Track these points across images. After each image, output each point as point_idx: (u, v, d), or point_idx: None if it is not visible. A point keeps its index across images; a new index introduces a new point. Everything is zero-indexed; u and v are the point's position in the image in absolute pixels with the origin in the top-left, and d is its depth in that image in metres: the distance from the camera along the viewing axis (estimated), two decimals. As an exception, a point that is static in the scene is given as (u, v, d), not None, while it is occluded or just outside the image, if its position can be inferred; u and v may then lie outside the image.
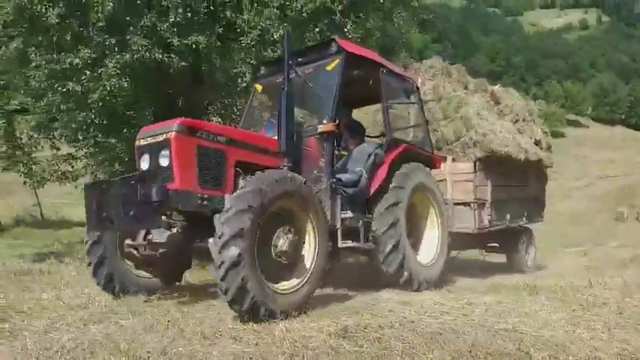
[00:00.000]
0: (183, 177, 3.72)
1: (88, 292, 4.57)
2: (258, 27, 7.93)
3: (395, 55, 11.38)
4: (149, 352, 2.69)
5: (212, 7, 8.03)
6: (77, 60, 7.55)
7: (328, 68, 4.71)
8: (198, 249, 3.77)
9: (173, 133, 3.75)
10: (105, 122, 8.83)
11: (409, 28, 11.49)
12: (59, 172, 11.83)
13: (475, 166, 7.28)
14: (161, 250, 3.94)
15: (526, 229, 8.56)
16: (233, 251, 3.13)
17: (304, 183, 3.70)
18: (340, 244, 4.30)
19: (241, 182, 3.49)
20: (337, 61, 4.68)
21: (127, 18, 7.62)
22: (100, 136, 9.46)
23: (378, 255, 4.70)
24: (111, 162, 9.88)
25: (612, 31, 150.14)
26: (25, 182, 12.79)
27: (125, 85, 7.74)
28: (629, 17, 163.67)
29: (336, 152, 5.02)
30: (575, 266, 9.27)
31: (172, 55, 7.75)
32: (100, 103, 7.88)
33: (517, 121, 8.18)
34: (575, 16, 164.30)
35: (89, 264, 4.39)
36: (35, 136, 11.53)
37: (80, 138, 9.87)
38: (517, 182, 8.13)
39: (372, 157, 5.00)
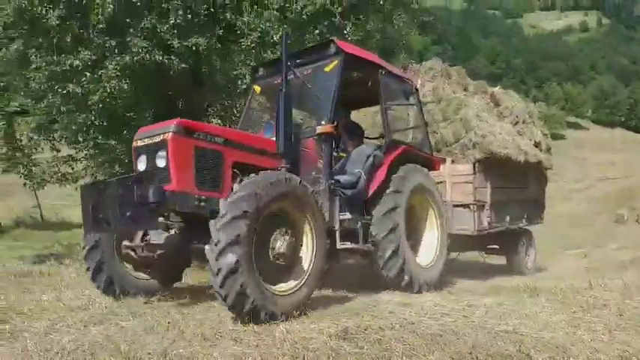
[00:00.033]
0: (180, 178, 3.70)
1: (88, 294, 4.56)
2: (258, 29, 7.95)
3: (395, 57, 11.40)
4: (149, 353, 2.69)
5: (212, 9, 8.06)
6: (77, 62, 7.57)
7: (327, 69, 4.71)
8: (197, 250, 3.73)
9: (170, 133, 3.73)
10: (105, 124, 8.83)
11: (409, 30, 11.51)
12: (59, 174, 11.83)
13: (474, 167, 7.27)
14: (159, 252, 3.94)
15: (526, 231, 8.56)
16: (230, 258, 3.11)
17: (299, 183, 3.66)
18: (339, 245, 4.29)
19: (236, 186, 3.45)
20: (336, 62, 4.67)
21: (127, 20, 7.64)
22: (100, 137, 9.46)
23: (378, 260, 4.69)
24: (111, 163, 9.88)
25: (612, 33, 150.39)
26: (25, 184, 12.80)
27: (125, 86, 7.76)
28: (629, 20, 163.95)
29: (335, 154, 5.01)
30: (576, 268, 9.27)
31: (172, 57, 7.77)
32: (100, 105, 7.90)
33: (517, 123, 8.18)
34: (575, 19, 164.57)
35: (87, 269, 4.38)
36: (35, 137, 11.54)
37: (80, 139, 9.87)
38: (517, 184, 8.12)
39: (371, 158, 4.99)
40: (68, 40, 7.84)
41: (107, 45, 7.65)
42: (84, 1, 7.49)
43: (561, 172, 28.41)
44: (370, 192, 4.83)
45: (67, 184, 12.00)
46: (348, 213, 4.51)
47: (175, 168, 3.70)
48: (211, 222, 3.26)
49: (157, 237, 3.90)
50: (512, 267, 8.24)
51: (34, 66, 7.96)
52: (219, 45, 8.37)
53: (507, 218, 7.81)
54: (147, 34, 7.66)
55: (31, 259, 8.27)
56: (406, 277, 4.72)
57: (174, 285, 4.80)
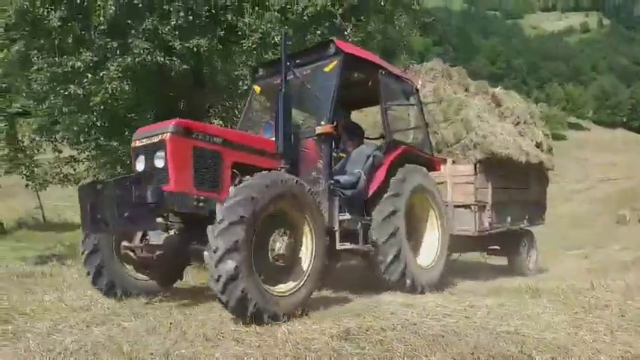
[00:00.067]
0: (179, 178, 3.68)
1: (90, 294, 4.56)
2: (259, 30, 7.97)
3: (396, 58, 11.41)
4: (152, 354, 2.70)
5: (213, 11, 8.07)
6: (79, 63, 7.59)
7: (326, 69, 4.69)
8: (196, 251, 3.72)
9: (168, 134, 3.70)
10: (107, 125, 8.86)
11: (410, 31, 11.52)
12: (61, 175, 11.87)
13: (475, 168, 7.25)
14: (158, 252, 3.92)
15: (527, 231, 8.53)
16: (230, 265, 3.10)
17: (296, 183, 3.62)
18: (338, 246, 4.27)
19: (231, 190, 3.41)
20: (335, 62, 4.65)
21: (129, 21, 7.66)
22: (101, 138, 9.49)
23: (379, 265, 4.67)
24: (113, 164, 9.91)
25: (613, 34, 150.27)
26: (27, 185, 12.86)
27: (127, 88, 7.78)
28: (629, 20, 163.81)
29: (335, 154, 4.99)
30: (577, 269, 9.24)
31: (174, 58, 7.79)
32: (102, 106, 7.92)
33: (518, 123, 8.16)
34: (576, 19, 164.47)
35: (88, 274, 4.36)
36: (37, 138, 11.59)
37: (82, 140, 9.91)
38: (518, 185, 8.10)
39: (371, 158, 4.96)
40: (70, 41, 7.86)
41: (109, 46, 7.67)
42: (85, 3, 7.51)
43: (563, 173, 28.39)
44: (370, 192, 4.81)
45: (69, 185, 12.03)
46: (347, 213, 4.49)
47: (174, 168, 3.68)
48: (209, 228, 3.23)
49: (156, 237, 3.89)
50: (514, 268, 8.23)
51: (35, 67, 7.99)
52: (221, 46, 8.39)
53: (508, 219, 7.79)
54: (148, 35, 7.68)
55: (33, 260, 8.28)
56: (408, 281, 4.71)
57: (176, 285, 4.80)
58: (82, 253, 4.36)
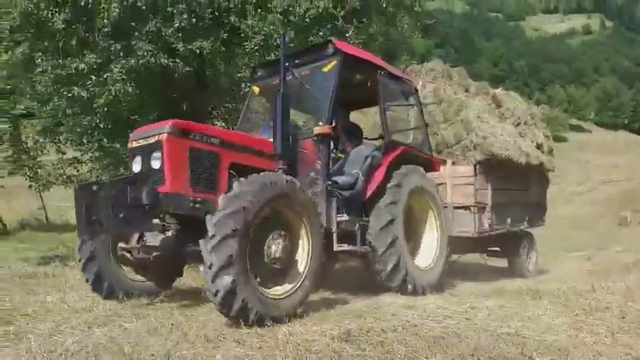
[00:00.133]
0: (175, 179, 3.66)
1: (92, 296, 4.57)
2: (262, 32, 7.99)
3: (397, 59, 11.44)
4: (153, 355, 2.71)
5: (216, 13, 8.10)
6: (83, 65, 7.62)
7: (325, 70, 4.67)
8: (193, 252, 3.66)
9: (165, 134, 3.68)
10: (110, 127, 8.89)
11: (412, 33, 11.53)
12: (64, 176, 11.89)
13: (475, 169, 7.26)
14: (155, 254, 3.90)
15: (527, 233, 8.52)
16: (226, 280, 3.08)
17: (286, 182, 3.56)
18: (336, 247, 4.25)
19: (221, 201, 3.29)
20: (334, 62, 4.64)
21: (133, 23, 7.69)
22: (105, 140, 9.52)
23: (379, 273, 4.63)
24: (116, 166, 9.94)
25: (615, 36, 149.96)
26: (30, 186, 12.87)
27: (130, 90, 7.80)
28: (632, 22, 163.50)
29: (333, 155, 4.99)
30: (578, 271, 9.22)
31: (177, 60, 7.82)
32: (105, 108, 7.95)
33: (518, 124, 8.15)
34: (578, 22, 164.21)
35: (87, 280, 4.36)
36: (41, 140, 11.63)
37: (85, 142, 9.95)
38: (518, 186, 8.09)
39: (369, 159, 4.92)
40: (74, 43, 7.89)
41: (112, 48, 7.70)
42: (89, 5, 7.55)
43: (564, 175, 28.31)
44: (368, 193, 4.77)
45: (72, 187, 12.05)
46: (345, 214, 4.46)
47: (170, 169, 3.65)
48: (201, 242, 3.20)
49: (153, 239, 3.87)
50: (514, 269, 8.22)
51: (39, 69, 8.02)
52: (224, 48, 8.41)
53: (508, 220, 7.78)
54: (152, 37, 7.71)
55: (35, 261, 8.28)
56: (409, 287, 4.69)
57: (177, 286, 4.81)
58: (79, 260, 4.35)
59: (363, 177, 4.79)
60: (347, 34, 8.55)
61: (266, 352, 2.74)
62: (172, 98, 8.93)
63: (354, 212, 4.64)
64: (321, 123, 4.48)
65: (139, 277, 4.47)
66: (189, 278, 5.51)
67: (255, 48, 8.05)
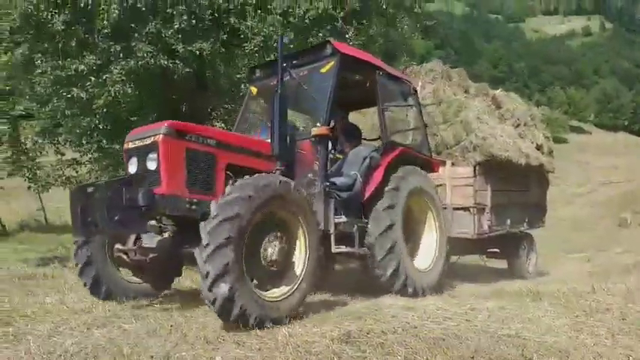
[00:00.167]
0: (171, 181, 3.63)
1: (91, 297, 4.55)
2: (262, 33, 8.02)
3: (397, 61, 11.45)
4: (152, 356, 2.70)
5: (216, 14, 8.12)
6: (82, 66, 7.64)
7: (323, 70, 4.64)
8: (189, 254, 3.57)
9: (161, 135, 3.64)
10: (109, 128, 8.91)
11: (412, 34, 11.56)
12: (63, 177, 11.90)
13: (475, 170, 7.23)
14: (151, 255, 3.87)
15: (527, 234, 8.50)
16: (223, 288, 3.05)
17: (280, 183, 3.48)
18: (334, 249, 4.22)
19: (213, 207, 3.21)
20: (332, 63, 4.60)
21: (132, 25, 7.71)
22: (104, 141, 9.54)
23: (379, 277, 4.60)
24: (115, 167, 9.95)
25: (615, 37, 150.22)
26: (29, 187, 12.88)
27: (130, 91, 7.82)
28: (631, 23, 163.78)
29: (332, 155, 4.96)
30: (578, 272, 9.21)
31: (177, 62, 7.83)
32: (105, 109, 7.97)
33: (518, 125, 8.14)
34: (578, 23, 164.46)
35: (84, 284, 4.34)
36: (40, 141, 11.64)
37: (84, 143, 9.97)
38: (518, 187, 8.07)
39: (368, 160, 4.88)
40: (73, 44, 7.91)
41: (112, 50, 7.72)
42: (89, 7, 7.57)
43: (564, 176, 28.34)
44: (366, 194, 4.73)
45: (71, 188, 12.04)
46: (343, 216, 4.43)
47: (166, 170, 3.61)
48: (196, 251, 3.14)
49: (150, 240, 3.82)
50: (514, 271, 8.20)
51: (39, 70, 8.04)
52: (223, 49, 8.43)
53: (508, 221, 7.76)
54: (151, 38, 7.73)
55: (35, 262, 8.27)
56: (410, 290, 4.67)
57: (177, 287, 4.80)
58: (76, 265, 4.32)
59: (361, 178, 4.75)
60: (347, 36, 8.56)
61: (266, 354, 2.74)
62: (172, 99, 8.94)
63: (352, 214, 4.60)
64: (319, 124, 4.45)
65: (136, 279, 4.44)
66: (189, 279, 5.50)
67: (255, 49, 8.06)
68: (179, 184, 3.67)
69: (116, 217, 3.39)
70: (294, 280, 3.63)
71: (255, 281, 3.47)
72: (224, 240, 3.07)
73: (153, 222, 3.69)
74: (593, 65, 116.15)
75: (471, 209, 7.16)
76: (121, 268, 4.42)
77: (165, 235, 3.78)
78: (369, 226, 4.63)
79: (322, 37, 8.22)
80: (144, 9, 7.64)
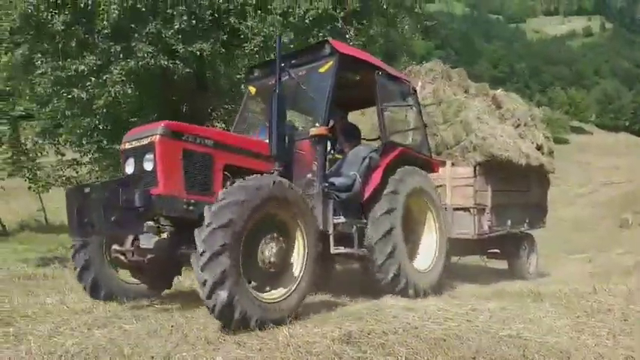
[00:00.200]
0: (168, 181, 3.59)
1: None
2: (262, 33, 8.02)
3: (397, 61, 11.45)
4: (153, 357, 2.70)
5: (216, 15, 8.13)
6: (82, 67, 7.64)
7: (321, 70, 4.60)
8: (186, 255, 3.62)
9: (157, 136, 3.61)
10: (109, 128, 8.91)
11: (412, 34, 11.55)
12: (64, 178, 11.91)
13: (475, 170, 7.22)
14: (149, 256, 3.85)
15: (527, 235, 8.48)
16: (222, 296, 3.03)
17: (274, 184, 3.42)
18: (333, 250, 4.20)
19: (206, 213, 3.15)
20: (331, 62, 4.56)
21: (132, 25, 7.71)
22: (104, 141, 9.55)
23: (380, 281, 4.58)
24: (115, 167, 9.94)
25: (616, 37, 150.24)
26: (29, 187, 12.89)
27: (130, 91, 7.82)
28: (632, 24, 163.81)
29: (330, 156, 4.93)
30: (580, 273, 9.21)
31: (177, 62, 7.84)
32: (105, 110, 7.97)
33: (518, 125, 8.12)
34: (578, 23, 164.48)
35: (84, 288, 4.33)
36: (40, 141, 11.66)
37: (84, 143, 9.98)
38: (518, 187, 8.05)
39: (367, 160, 4.83)
40: (73, 45, 7.91)
41: (112, 50, 7.72)
42: (89, 7, 7.57)
43: (565, 177, 28.31)
44: (365, 195, 4.69)
45: (71, 188, 12.03)
46: (342, 217, 4.40)
47: (163, 171, 3.58)
48: (192, 258, 3.11)
49: (147, 241, 3.80)
50: (514, 272, 8.18)
51: (39, 71, 8.04)
52: (223, 50, 8.44)
53: (508, 222, 7.75)
54: (152, 39, 7.73)
55: (35, 262, 8.28)
56: (411, 292, 4.65)
57: (177, 288, 4.79)
58: (75, 269, 4.31)
59: (360, 178, 4.72)
60: (347, 36, 8.56)
61: (266, 354, 2.73)
62: (172, 100, 8.95)
63: (352, 214, 4.57)
64: (317, 124, 4.43)
65: (136, 280, 4.43)
66: (189, 279, 5.49)
67: (255, 49, 8.07)
68: (176, 185, 3.64)
69: (113, 218, 3.36)
70: (292, 280, 3.61)
71: (253, 283, 3.46)
72: (219, 248, 3.04)
73: (150, 223, 3.68)
74: (593, 65, 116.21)
75: (472, 210, 7.15)
76: (119, 270, 4.41)
77: (164, 235, 3.76)
78: (368, 230, 4.60)
79: (322, 38, 8.20)
80: (144, 9, 7.64)
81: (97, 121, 8.67)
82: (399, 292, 4.59)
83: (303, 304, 3.68)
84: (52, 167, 12.28)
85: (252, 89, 5.40)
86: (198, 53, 7.84)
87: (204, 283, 3.04)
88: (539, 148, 8.27)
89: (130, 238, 4.03)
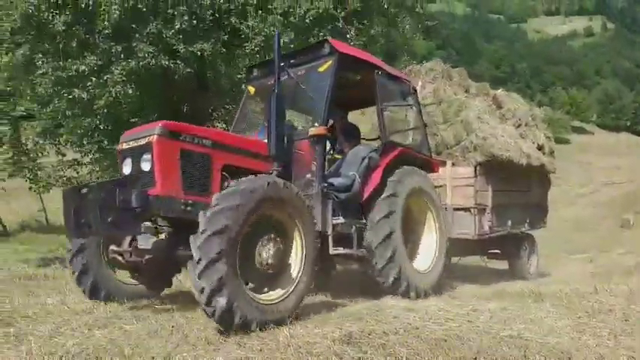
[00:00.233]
0: (165, 182, 3.56)
1: (92, 297, 4.57)
2: (262, 33, 8.01)
3: (397, 60, 11.44)
4: (153, 357, 2.70)
5: (217, 15, 8.13)
6: (83, 67, 7.65)
7: (321, 70, 4.57)
8: (184, 256, 3.54)
9: (155, 136, 3.57)
10: (110, 128, 8.92)
11: (413, 34, 11.54)
12: (64, 178, 11.92)
13: (475, 170, 7.20)
14: (147, 257, 3.82)
15: (528, 235, 8.46)
16: (221, 302, 3.01)
17: (268, 185, 3.36)
18: (332, 250, 4.18)
19: (201, 219, 3.11)
20: (330, 62, 4.52)
21: (133, 25, 7.72)
22: (105, 142, 9.56)
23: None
24: (116, 168, 9.92)
25: (617, 37, 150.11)
26: (30, 188, 12.91)
27: (130, 91, 7.83)
28: (633, 24, 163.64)
29: (329, 156, 4.90)
30: (581, 273, 9.19)
31: (178, 62, 7.84)
32: (106, 110, 7.98)
33: (519, 125, 8.10)
34: (579, 24, 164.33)
35: (83, 292, 4.31)
36: (41, 141, 11.68)
37: (85, 144, 9.98)
38: (519, 187, 8.03)
39: (366, 160, 4.80)
40: (74, 45, 7.92)
41: (113, 50, 7.73)
42: (90, 7, 7.57)
43: (566, 177, 28.28)
44: (365, 195, 4.66)
45: (71, 188, 12.04)
46: (341, 217, 4.37)
47: (160, 171, 3.54)
48: (189, 266, 3.07)
49: (145, 242, 3.78)
50: (515, 272, 8.16)
51: (40, 71, 8.05)
52: (224, 50, 8.44)
53: (509, 222, 7.73)
54: (152, 39, 7.74)
55: (35, 263, 8.29)
56: (412, 294, 4.63)
57: (177, 288, 4.78)
58: (73, 273, 4.29)
59: (360, 179, 4.69)
60: (348, 36, 8.56)
61: (267, 355, 2.73)
62: (173, 100, 8.96)
63: (351, 215, 4.54)
64: (316, 123, 4.41)
65: (134, 281, 4.40)
66: (189, 280, 5.48)
67: (256, 49, 8.07)
68: (173, 185, 3.61)
69: (109, 219, 3.33)
70: (291, 282, 3.59)
71: (250, 284, 3.44)
72: (215, 255, 3.00)
73: (148, 223, 3.66)
74: (594, 66, 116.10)
75: (472, 210, 7.14)
76: (117, 270, 4.39)
77: (161, 236, 3.75)
78: (367, 233, 4.57)
79: (323, 37, 8.20)
80: (145, 9, 7.64)
81: (97, 122, 8.68)
82: (400, 295, 4.58)
83: (304, 305, 3.68)
84: (53, 167, 12.30)
85: (251, 89, 5.37)
86: (198, 53, 7.84)
87: (201, 291, 3.01)
88: (540, 148, 8.25)
89: (128, 238, 3.99)
